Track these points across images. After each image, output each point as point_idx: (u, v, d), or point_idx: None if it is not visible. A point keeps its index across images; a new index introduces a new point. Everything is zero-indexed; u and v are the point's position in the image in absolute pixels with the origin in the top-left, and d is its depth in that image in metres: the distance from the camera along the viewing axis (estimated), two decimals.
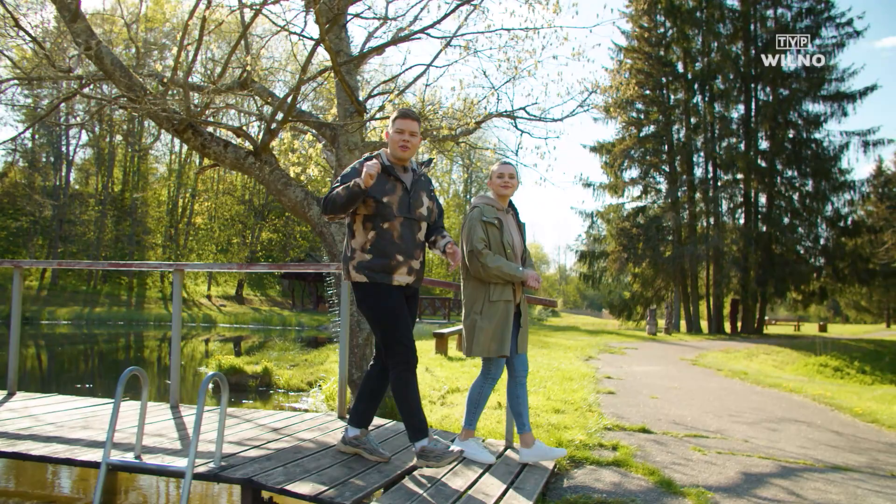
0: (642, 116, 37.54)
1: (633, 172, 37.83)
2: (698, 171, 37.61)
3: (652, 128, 37.38)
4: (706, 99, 36.96)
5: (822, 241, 35.73)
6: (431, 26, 6.93)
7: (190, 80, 7.60)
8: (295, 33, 6.72)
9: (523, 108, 8.84)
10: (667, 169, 37.54)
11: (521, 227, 4.51)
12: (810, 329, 45.97)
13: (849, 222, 35.53)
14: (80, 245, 46.06)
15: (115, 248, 47.17)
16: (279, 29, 6.65)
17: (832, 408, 8.95)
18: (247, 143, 8.16)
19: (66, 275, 44.52)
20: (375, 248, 3.82)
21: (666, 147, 37.05)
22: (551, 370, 10.61)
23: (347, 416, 4.44)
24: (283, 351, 15.07)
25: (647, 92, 36.94)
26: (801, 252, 35.64)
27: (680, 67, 37.31)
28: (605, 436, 5.62)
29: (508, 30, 7.72)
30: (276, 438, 4.53)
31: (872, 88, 35.27)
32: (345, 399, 5.31)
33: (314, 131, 8.49)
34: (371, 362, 4.16)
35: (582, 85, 10.47)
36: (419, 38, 7.64)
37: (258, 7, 6.23)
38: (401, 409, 3.88)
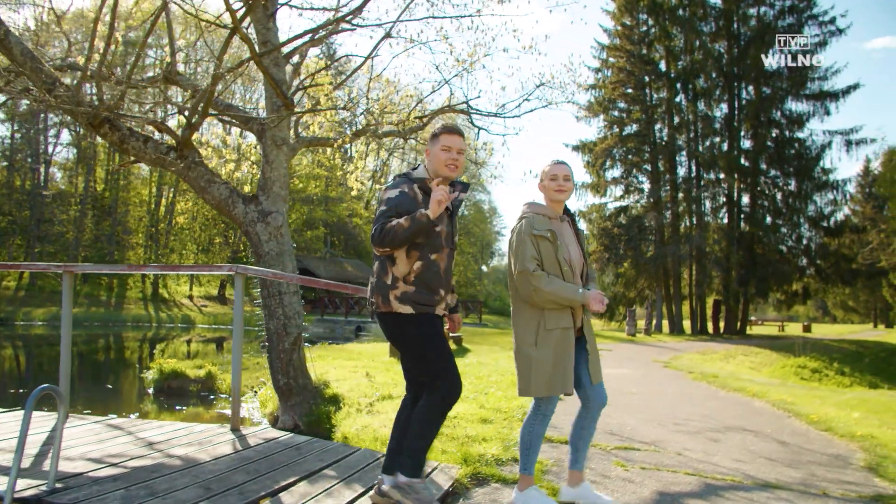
0: (624, 115, 37.26)
1: (616, 172, 37.56)
2: (681, 171, 37.39)
3: (634, 127, 37.10)
4: (689, 97, 36.72)
5: (804, 241, 35.55)
6: (353, 14, 6.53)
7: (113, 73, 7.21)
8: (206, 20, 6.32)
9: (466, 102, 8.48)
10: (649, 168, 37.27)
11: (579, 237, 3.82)
12: (795, 330, 45.79)
13: (832, 222, 35.35)
14: (59, 245, 45.46)
15: (95, 248, 46.58)
16: (193, 16, 6.25)
17: (790, 414, 8.61)
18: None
19: (46, 275, 43.94)
20: (420, 281, 3.36)
21: (648, 146, 36.77)
22: (502, 374, 10.24)
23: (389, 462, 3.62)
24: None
25: (630, 90, 36.68)
26: (784, 252, 35.44)
27: (662, 66, 37.05)
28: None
29: (440, 17, 7.31)
30: (143, 455, 4.14)
31: (855, 87, 35.14)
32: (238, 411, 4.93)
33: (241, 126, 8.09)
34: (404, 395, 3.69)
35: (539, 79, 10.15)
36: (352, 29, 7.26)
37: None
38: (413, 439, 3.42)
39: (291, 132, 8.31)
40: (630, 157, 37.31)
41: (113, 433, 4.75)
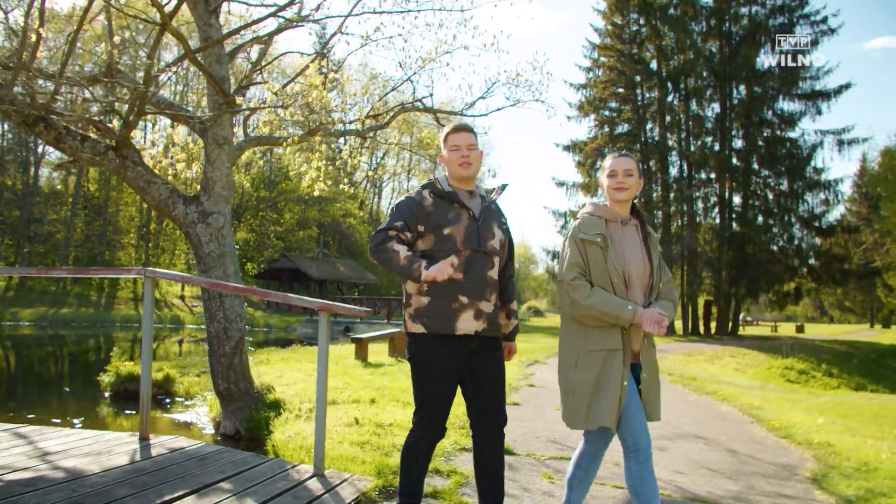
0: (615, 115, 37.06)
1: None
2: (673, 171, 37.18)
3: (626, 126, 36.91)
4: (680, 97, 36.52)
5: (796, 242, 35.35)
6: (286, 7, 6.31)
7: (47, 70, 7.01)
8: (131, 15, 6.11)
9: (419, 101, 8.27)
10: (641, 168, 37.07)
11: (649, 245, 3.21)
12: (788, 330, 45.58)
13: (823, 222, 35.15)
14: (49, 245, 45.25)
15: (85, 248, 46.38)
16: (118, 10, 6.04)
17: (753, 420, 8.42)
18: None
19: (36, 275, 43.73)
20: (434, 289, 3.11)
21: (639, 146, 36.55)
22: None
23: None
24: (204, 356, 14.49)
25: (620, 90, 36.49)
26: (775, 252, 35.23)
27: (653, 65, 36.84)
28: (454, 458, 5.05)
29: (383, 13, 7.09)
30: (30, 466, 3.93)
31: (847, 87, 34.99)
32: (147, 417, 4.72)
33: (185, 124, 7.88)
34: None
35: (497, 78, 9.97)
36: (293, 26, 7.04)
37: None
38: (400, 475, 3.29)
39: (239, 131, 8.11)
40: None
41: (13, 442, 4.54)
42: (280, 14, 6.45)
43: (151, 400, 9.84)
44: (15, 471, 3.85)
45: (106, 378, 10.19)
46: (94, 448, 4.43)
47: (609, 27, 37.20)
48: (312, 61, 7.38)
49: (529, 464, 5.14)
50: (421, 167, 62.60)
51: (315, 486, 4.03)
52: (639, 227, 3.24)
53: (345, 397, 7.44)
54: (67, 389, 11.86)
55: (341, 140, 58.85)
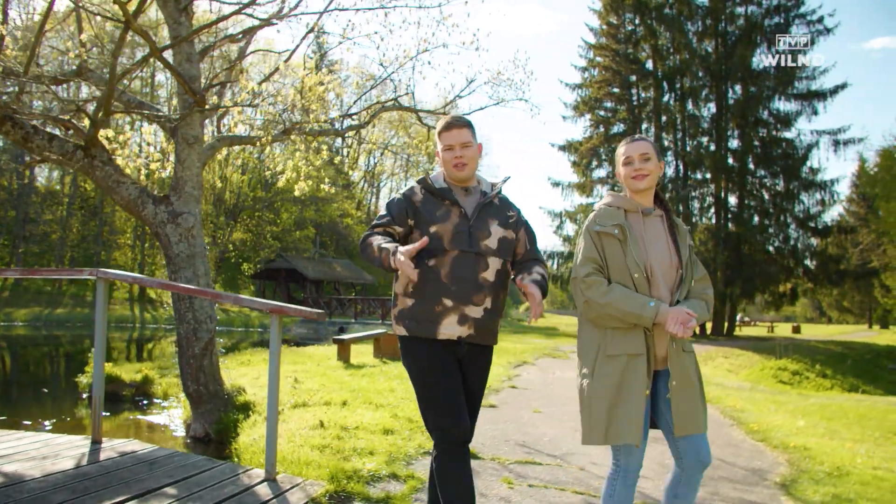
0: (610, 115, 37.01)
1: (602, 172, 37.29)
2: (669, 171, 37.09)
3: (621, 126, 36.84)
4: (676, 97, 36.45)
5: (791, 242, 35.27)
6: (250, 5, 6.23)
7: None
8: (94, 13, 6.03)
9: (394, 100, 8.18)
10: None
11: (676, 237, 2.90)
12: (785, 331, 45.48)
13: (819, 223, 35.08)
14: (45, 245, 45.19)
15: (81, 248, 46.32)
16: (80, 7, 5.95)
17: (733, 422, 8.33)
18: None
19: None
20: (417, 291, 2.94)
21: None
22: None
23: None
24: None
25: (616, 90, 36.42)
26: (771, 252, 35.15)
27: (649, 65, 36.77)
28: (415, 463, 4.97)
29: (357, 10, 7.01)
30: None
31: (843, 87, 34.95)
32: (99, 419, 4.64)
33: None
34: None
35: (489, 74, 9.90)
36: (266, 25, 6.96)
37: None
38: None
39: (214, 129, 8.03)
40: None
41: None
42: (245, 11, 6.38)
43: (130, 402, 9.80)
44: None
45: (84, 379, 10.12)
46: (42, 452, 4.35)
47: (604, 27, 37.16)
48: (286, 61, 7.30)
49: (492, 468, 5.06)
50: (420, 167, 62.53)
51: (264, 491, 3.96)
52: (664, 218, 2.93)
53: (317, 399, 7.36)
54: (46, 391, 11.79)
55: (338, 140, 58.62)
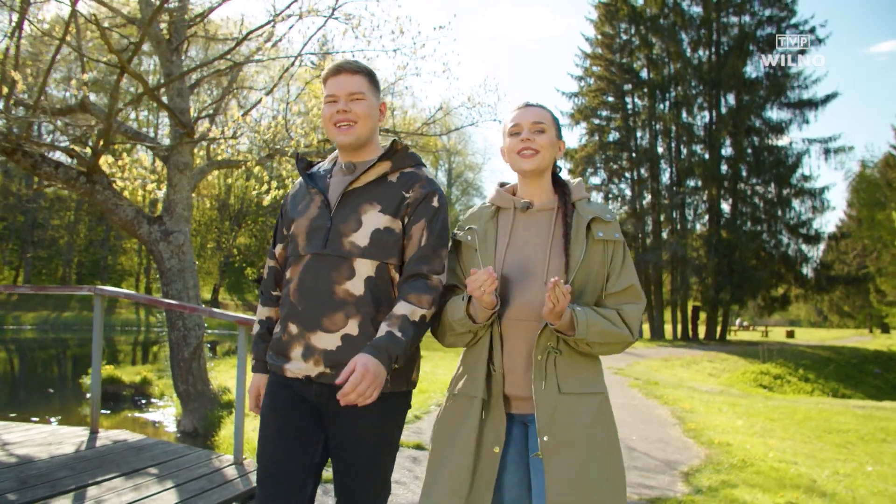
0: (605, 123, 37.82)
1: (597, 179, 38.06)
2: (664, 178, 37.86)
3: (616, 134, 37.64)
4: (670, 106, 37.21)
5: (782, 248, 35.95)
6: (231, 51, 7.08)
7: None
8: (92, 59, 6.89)
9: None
10: (629, 176, 37.82)
11: (567, 236, 2.08)
12: (779, 335, 46.09)
13: (810, 229, 35.76)
14: (53, 250, 46.25)
15: (88, 253, 47.36)
16: (81, 54, 6.82)
17: (678, 422, 9.08)
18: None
19: (40, 279, 44.71)
20: (280, 312, 2.25)
21: (627, 154, 37.29)
22: None
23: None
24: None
25: (610, 99, 37.20)
26: (763, 258, 35.83)
27: (644, 74, 37.55)
28: None
29: (336, 53, 7.85)
30: None
31: (833, 96, 35.63)
32: (97, 412, 5.48)
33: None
34: None
35: (461, 98, 10.66)
36: (248, 63, 7.82)
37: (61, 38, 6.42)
38: None
39: (204, 154, 8.89)
40: (611, 164, 37.86)
41: None
42: (230, 57, 7.25)
43: (129, 401, 10.65)
44: None
45: (87, 380, 10.98)
46: (48, 440, 5.19)
47: (599, 37, 37.98)
48: (267, 94, 8.15)
49: None
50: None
51: (231, 472, 4.77)
52: (559, 213, 2.14)
53: None
54: (51, 391, 12.69)
55: None
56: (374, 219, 2.11)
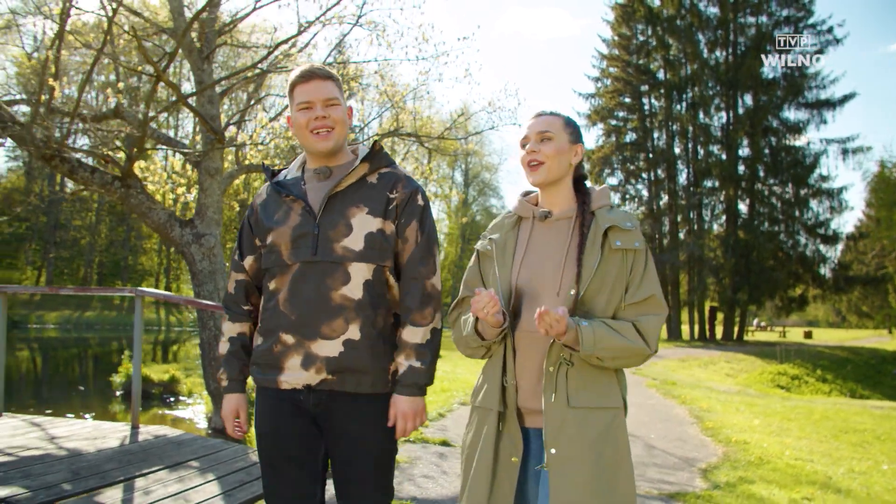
0: (622, 124, 37.89)
1: (614, 180, 38.15)
2: (682, 179, 37.89)
3: (633, 135, 37.71)
4: (687, 106, 37.21)
5: (800, 249, 35.86)
6: (261, 61, 7.34)
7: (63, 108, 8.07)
8: (128, 68, 7.17)
9: (395, 132, 9.26)
10: (646, 176, 37.86)
11: (582, 246, 2.03)
12: (796, 336, 45.89)
13: (828, 229, 35.65)
14: (75, 251, 46.95)
15: (109, 253, 48.03)
16: (120, 64, 7.10)
17: (695, 421, 9.20)
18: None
19: (62, 279, 45.41)
20: (263, 325, 2.20)
21: (644, 155, 37.35)
22: None
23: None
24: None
25: (627, 99, 37.27)
26: (780, 258, 35.76)
27: (660, 75, 37.59)
28: None
29: (359, 62, 8.09)
30: (40, 447, 4.95)
31: (851, 96, 35.49)
32: (137, 409, 5.74)
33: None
34: None
35: (485, 100, 10.88)
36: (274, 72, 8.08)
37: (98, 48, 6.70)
38: None
39: (233, 158, 9.15)
40: (628, 165, 37.93)
41: (28, 429, 5.57)
42: (259, 66, 7.50)
43: (159, 399, 10.96)
44: (28, 449, 4.88)
45: (117, 378, 11.32)
46: (93, 434, 5.45)
47: (616, 38, 38.07)
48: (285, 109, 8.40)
49: None
50: (440, 171, 63.60)
51: None
52: (577, 222, 2.10)
53: None
54: (82, 388, 13.05)
55: None
56: (363, 221, 2.12)
